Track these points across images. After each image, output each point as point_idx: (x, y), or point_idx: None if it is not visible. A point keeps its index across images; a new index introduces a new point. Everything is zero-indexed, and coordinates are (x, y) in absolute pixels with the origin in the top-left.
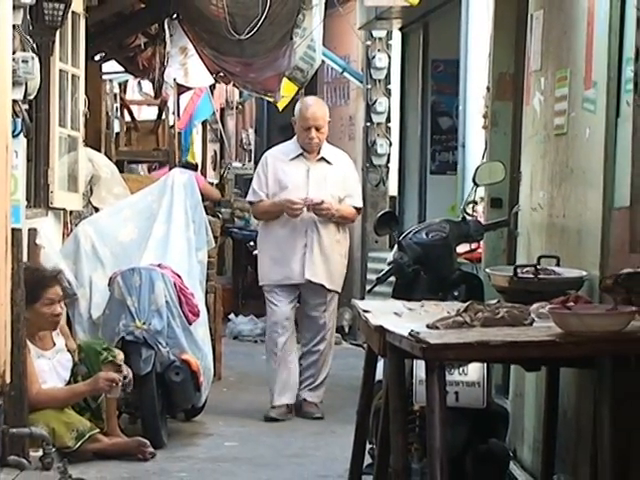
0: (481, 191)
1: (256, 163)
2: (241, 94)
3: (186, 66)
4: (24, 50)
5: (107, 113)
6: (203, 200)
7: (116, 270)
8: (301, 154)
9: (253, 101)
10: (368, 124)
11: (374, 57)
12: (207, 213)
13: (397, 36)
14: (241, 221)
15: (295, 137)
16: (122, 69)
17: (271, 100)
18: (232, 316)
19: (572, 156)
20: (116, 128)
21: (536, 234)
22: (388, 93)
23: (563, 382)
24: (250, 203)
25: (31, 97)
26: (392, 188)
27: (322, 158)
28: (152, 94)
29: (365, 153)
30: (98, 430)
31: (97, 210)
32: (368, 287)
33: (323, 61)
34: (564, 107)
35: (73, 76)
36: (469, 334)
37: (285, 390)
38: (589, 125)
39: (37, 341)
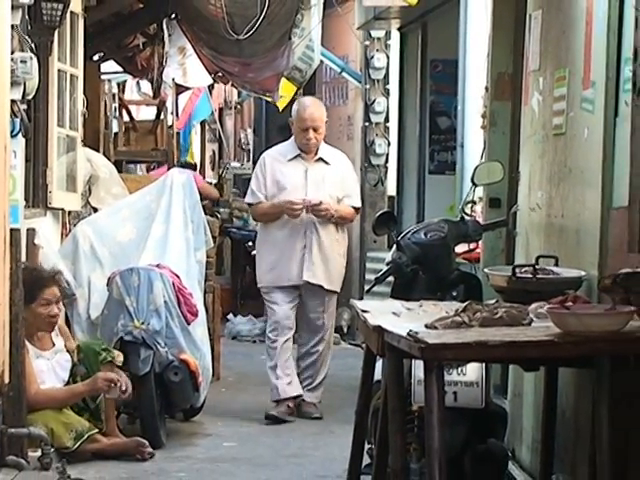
0: (480, 191)
1: (254, 163)
2: (239, 94)
3: (185, 66)
4: (22, 50)
5: (106, 113)
6: (201, 199)
7: (115, 270)
8: (299, 155)
9: (252, 101)
10: (367, 124)
11: (373, 57)
12: (206, 213)
13: (396, 36)
14: (240, 221)
15: (293, 138)
16: (121, 69)
17: (270, 100)
18: (231, 316)
19: (570, 156)
20: (115, 128)
21: (534, 234)
22: (387, 93)
23: (562, 382)
24: (249, 205)
25: (30, 97)
26: (391, 188)
27: (320, 158)
28: (151, 94)
29: (364, 153)
30: (97, 430)
31: (96, 210)
32: (367, 287)
33: (322, 61)
34: (563, 107)
35: (72, 76)
36: (467, 334)
37: (290, 384)
38: (588, 125)
39: (36, 341)
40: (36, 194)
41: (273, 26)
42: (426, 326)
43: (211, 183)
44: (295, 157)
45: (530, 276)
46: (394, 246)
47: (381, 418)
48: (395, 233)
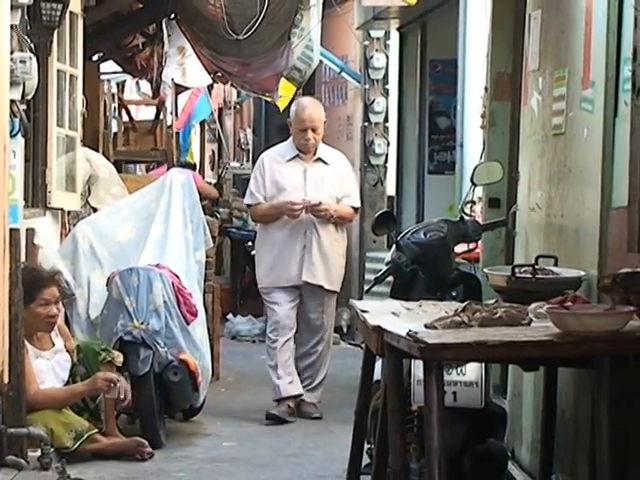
0: (479, 191)
1: (254, 163)
2: (239, 94)
3: (184, 66)
4: (22, 50)
5: (105, 113)
6: (201, 199)
7: (114, 270)
8: (297, 155)
9: (251, 101)
10: (366, 124)
11: (372, 57)
12: (205, 213)
13: (395, 36)
14: (239, 221)
15: (291, 138)
16: (120, 69)
17: (269, 100)
18: (230, 316)
19: (570, 156)
20: (114, 128)
21: (534, 234)
22: (386, 93)
23: (561, 382)
24: (248, 206)
25: (29, 97)
26: (390, 188)
27: (319, 159)
28: (150, 94)
29: (363, 153)
30: (96, 430)
31: (95, 210)
32: (366, 287)
33: (321, 61)
34: (562, 107)
35: (71, 76)
36: (467, 334)
37: (292, 383)
38: (587, 125)
39: (35, 341)
40: (35, 194)
41: (272, 26)
42: (425, 326)
43: (210, 183)
44: (294, 157)
45: (529, 276)
46: (393, 246)
47: (381, 418)
48: (394, 233)
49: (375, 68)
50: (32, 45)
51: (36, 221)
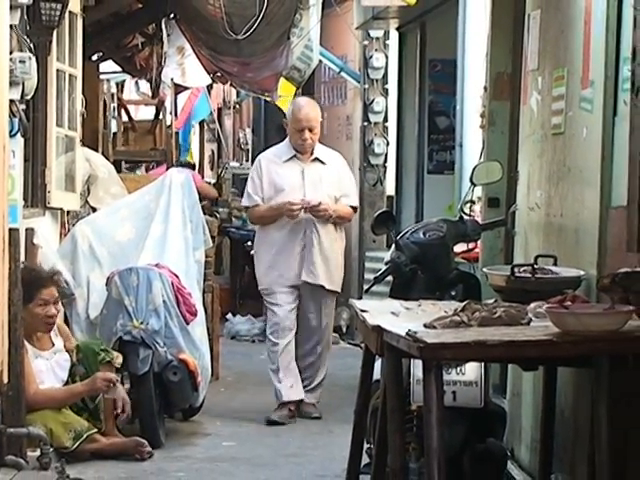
0: (478, 190)
1: (253, 163)
2: (238, 94)
3: (183, 66)
4: (21, 50)
5: (104, 113)
6: (200, 200)
7: (113, 270)
8: (295, 155)
9: (250, 101)
10: (365, 124)
11: (371, 57)
12: (205, 213)
13: (394, 36)
14: (239, 221)
15: (287, 139)
16: (119, 69)
17: (268, 100)
18: (230, 316)
19: (569, 155)
20: (113, 128)
21: (533, 233)
22: (385, 93)
23: (560, 381)
24: (245, 208)
25: (28, 97)
26: (389, 188)
27: (316, 158)
28: (149, 94)
29: (362, 153)
30: (96, 430)
31: (94, 210)
32: (366, 287)
33: (320, 61)
34: (561, 106)
35: (70, 76)
36: (466, 334)
37: (293, 388)
38: (586, 124)
39: (35, 341)
40: (35, 194)
41: (272, 26)
42: (425, 326)
43: (210, 183)
44: (291, 158)
45: (529, 275)
46: (393, 246)
47: (380, 418)
48: (394, 233)
49: (374, 68)
50: (31, 45)
51: (35, 221)
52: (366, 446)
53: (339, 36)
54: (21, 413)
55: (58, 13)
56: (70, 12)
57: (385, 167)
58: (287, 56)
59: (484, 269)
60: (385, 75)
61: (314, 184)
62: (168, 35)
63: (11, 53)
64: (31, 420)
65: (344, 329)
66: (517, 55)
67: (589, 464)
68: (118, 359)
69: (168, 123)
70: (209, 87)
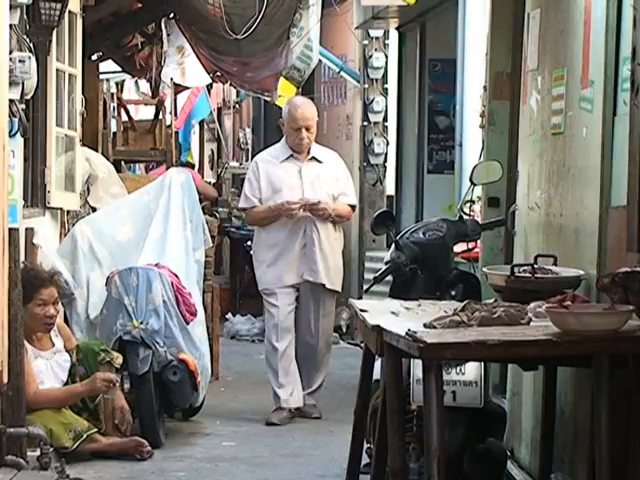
0: (478, 190)
1: None
2: (238, 93)
3: (183, 65)
4: (21, 50)
5: (104, 113)
6: (200, 199)
7: (113, 270)
8: (291, 155)
9: (250, 100)
10: (365, 123)
11: (371, 56)
12: (204, 212)
13: (394, 35)
14: (238, 220)
15: (283, 139)
16: (119, 69)
17: (268, 99)
18: (229, 316)
19: (569, 155)
20: (113, 127)
21: (533, 233)
22: (385, 92)
23: (560, 381)
24: (243, 210)
25: (28, 97)
26: (389, 187)
27: (313, 158)
28: (149, 94)
29: (362, 152)
30: (95, 430)
31: (94, 210)
32: (365, 286)
33: (320, 60)
34: (561, 106)
35: (70, 76)
36: (466, 333)
37: (293, 394)
38: (586, 124)
39: (35, 341)
40: (35, 194)
41: (271, 25)
42: (425, 325)
43: (210, 182)
44: (288, 158)
45: (529, 275)
46: (393, 245)
47: (380, 417)
48: (394, 232)
49: (374, 67)
50: (31, 45)
51: (35, 221)
52: (366, 446)
53: (339, 36)
54: (21, 413)
55: (58, 13)
56: (70, 12)
57: (385, 167)
58: (287, 56)
59: (484, 269)
60: (385, 75)
61: (312, 183)
62: (168, 35)
63: (11, 53)
64: (31, 420)
65: (344, 329)
66: (517, 55)
67: (589, 463)
68: (118, 359)
69: (168, 123)
70: (209, 87)
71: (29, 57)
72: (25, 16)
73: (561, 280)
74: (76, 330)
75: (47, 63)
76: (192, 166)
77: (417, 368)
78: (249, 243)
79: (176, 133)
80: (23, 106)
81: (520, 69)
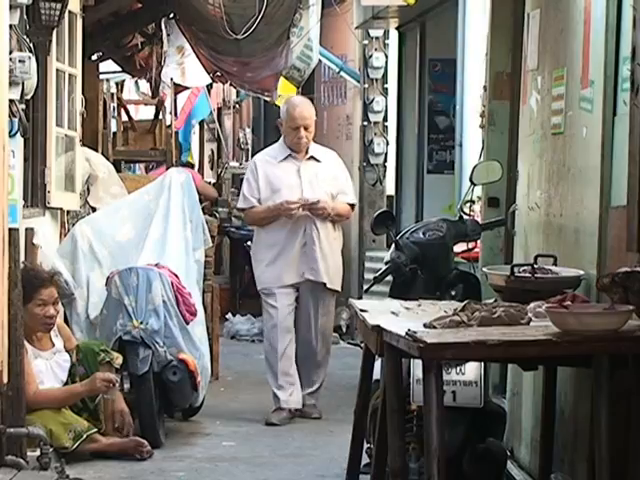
0: (478, 190)
1: None
2: (238, 93)
3: (183, 65)
4: (21, 50)
5: (104, 113)
6: (200, 200)
7: (113, 270)
8: (290, 155)
9: (250, 100)
10: (365, 123)
11: (371, 56)
12: (204, 212)
13: (394, 35)
14: (238, 220)
15: (282, 139)
16: (119, 69)
17: (268, 99)
18: (229, 315)
19: (569, 155)
20: (113, 128)
21: (533, 233)
22: (385, 92)
23: (560, 381)
24: (241, 210)
25: (28, 97)
26: (389, 187)
27: (311, 157)
28: (149, 94)
29: (362, 152)
30: (95, 430)
31: (94, 210)
32: (365, 286)
33: (320, 60)
34: (561, 106)
35: (70, 76)
36: (466, 333)
37: (292, 395)
38: (586, 124)
39: (35, 341)
40: (35, 194)
41: (271, 25)
42: (425, 325)
43: (210, 182)
44: (286, 157)
45: (529, 275)
46: (393, 245)
47: (380, 417)
48: (394, 232)
49: (374, 67)
50: (31, 45)
51: (35, 221)
52: (366, 446)
53: (339, 36)
54: (21, 413)
55: (58, 13)
56: (70, 12)
57: (385, 167)
58: (287, 56)
59: (484, 269)
60: (385, 75)
61: (311, 182)
62: (168, 35)
63: (11, 53)
64: (31, 420)
65: (344, 329)
66: (517, 55)
67: (589, 463)
68: (118, 359)
69: (168, 123)
70: (209, 87)
71: (29, 57)
72: (25, 16)
73: (561, 280)
74: (76, 330)
75: (47, 63)
76: (192, 166)
77: (417, 368)
78: (249, 243)
79: (176, 133)
80: (23, 106)
81: (520, 69)
